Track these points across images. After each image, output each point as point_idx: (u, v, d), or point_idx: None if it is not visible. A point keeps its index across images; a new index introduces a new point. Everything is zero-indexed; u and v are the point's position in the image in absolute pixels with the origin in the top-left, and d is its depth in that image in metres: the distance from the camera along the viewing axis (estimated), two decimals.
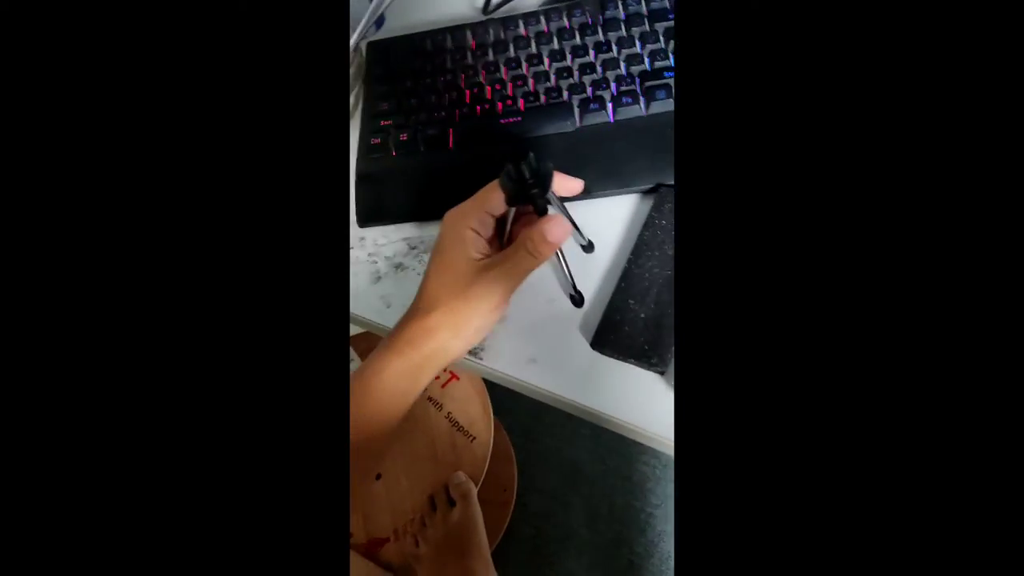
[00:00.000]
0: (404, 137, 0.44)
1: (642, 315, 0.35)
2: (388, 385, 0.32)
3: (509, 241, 0.36)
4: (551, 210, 0.33)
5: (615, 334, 0.35)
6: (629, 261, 0.37)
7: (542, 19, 0.45)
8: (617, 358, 0.35)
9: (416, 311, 0.32)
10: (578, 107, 0.41)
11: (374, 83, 0.47)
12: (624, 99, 0.40)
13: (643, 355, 0.34)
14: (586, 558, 0.94)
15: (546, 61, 0.43)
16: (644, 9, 0.42)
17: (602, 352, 0.35)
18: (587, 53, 0.42)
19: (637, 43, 0.42)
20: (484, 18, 0.49)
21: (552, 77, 0.43)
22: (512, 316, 0.39)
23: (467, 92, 0.44)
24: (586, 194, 0.39)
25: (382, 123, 0.45)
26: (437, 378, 0.69)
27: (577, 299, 0.37)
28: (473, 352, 0.38)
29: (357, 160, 0.45)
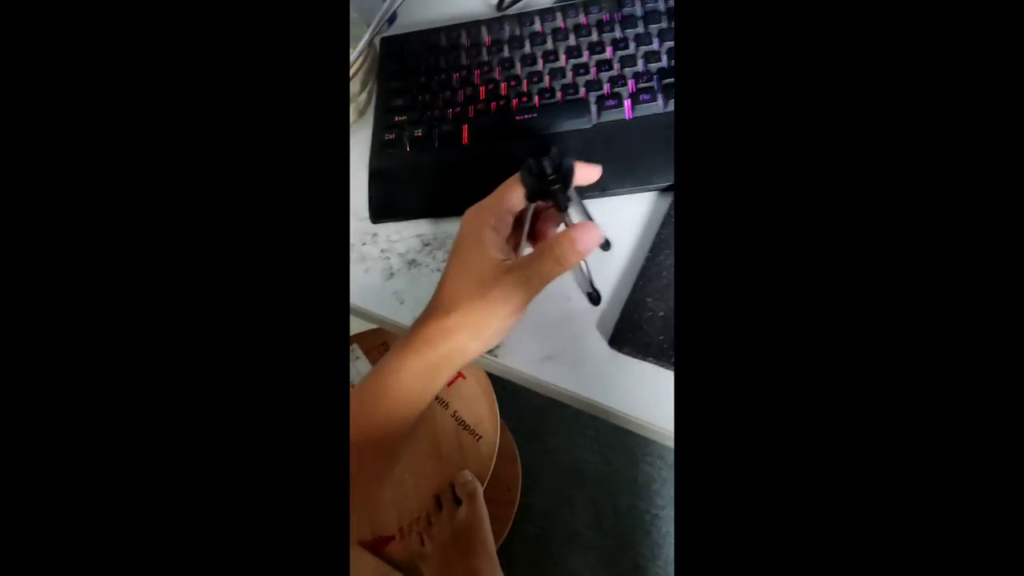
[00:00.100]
0: (418, 133, 0.44)
1: (661, 313, 0.35)
2: (405, 385, 0.31)
3: (531, 237, 0.35)
4: (572, 207, 0.33)
5: (634, 332, 0.35)
6: (647, 259, 0.36)
7: (558, 15, 0.44)
8: (636, 356, 0.35)
9: (434, 311, 0.32)
10: (595, 104, 0.41)
11: (388, 79, 0.47)
12: (642, 96, 0.40)
13: (662, 353, 0.34)
14: (591, 558, 0.94)
15: (562, 58, 0.43)
16: (662, 6, 0.42)
17: (620, 350, 0.35)
18: (604, 50, 0.42)
19: (655, 40, 0.41)
20: (499, 14, 0.49)
21: (569, 73, 0.42)
22: (529, 314, 0.39)
23: (482, 88, 0.44)
24: (603, 191, 0.39)
25: (396, 119, 0.45)
26: None
27: (595, 297, 0.37)
28: (489, 350, 0.38)
29: (370, 156, 0.45)
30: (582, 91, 0.42)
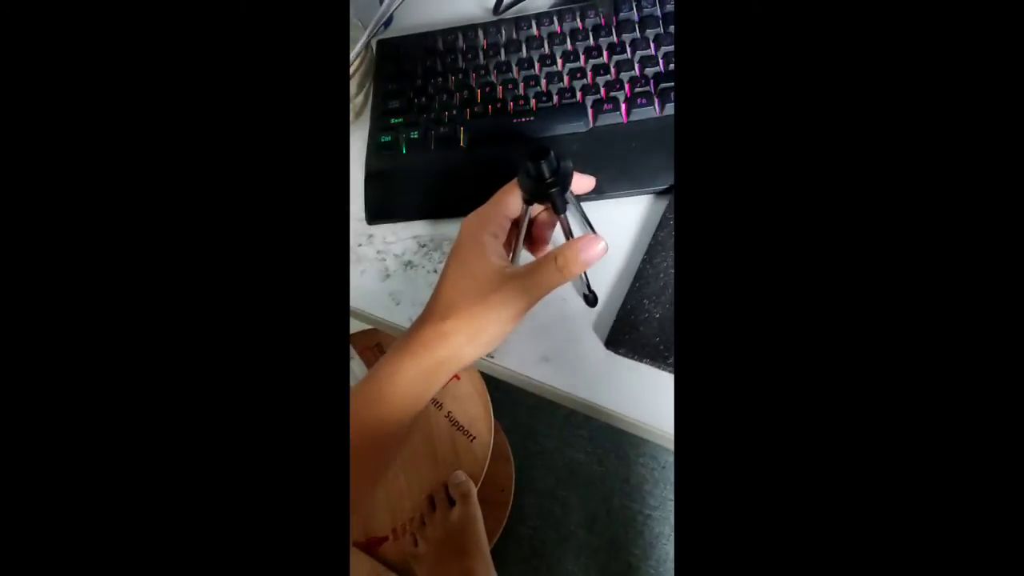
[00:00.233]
0: (415, 135, 0.44)
1: (657, 315, 0.35)
2: (400, 389, 0.31)
3: (527, 241, 0.36)
4: (569, 210, 0.33)
5: (630, 334, 0.35)
6: (643, 261, 0.37)
7: (555, 20, 0.45)
8: (632, 358, 0.35)
9: (431, 315, 0.32)
10: (591, 108, 0.41)
11: (384, 81, 0.47)
12: (638, 100, 0.40)
13: (658, 355, 0.34)
14: (584, 559, 0.94)
15: (559, 62, 0.43)
16: (658, 11, 0.43)
17: (617, 352, 0.35)
18: (600, 54, 0.43)
19: (651, 45, 0.42)
20: (495, 18, 0.49)
21: (565, 78, 0.43)
22: (525, 315, 0.39)
23: (478, 92, 0.44)
24: (599, 194, 0.39)
25: (392, 121, 0.45)
26: None
27: (591, 299, 0.37)
28: None
29: (367, 158, 0.45)
30: (579, 95, 0.42)
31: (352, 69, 0.44)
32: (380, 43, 0.49)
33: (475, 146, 0.43)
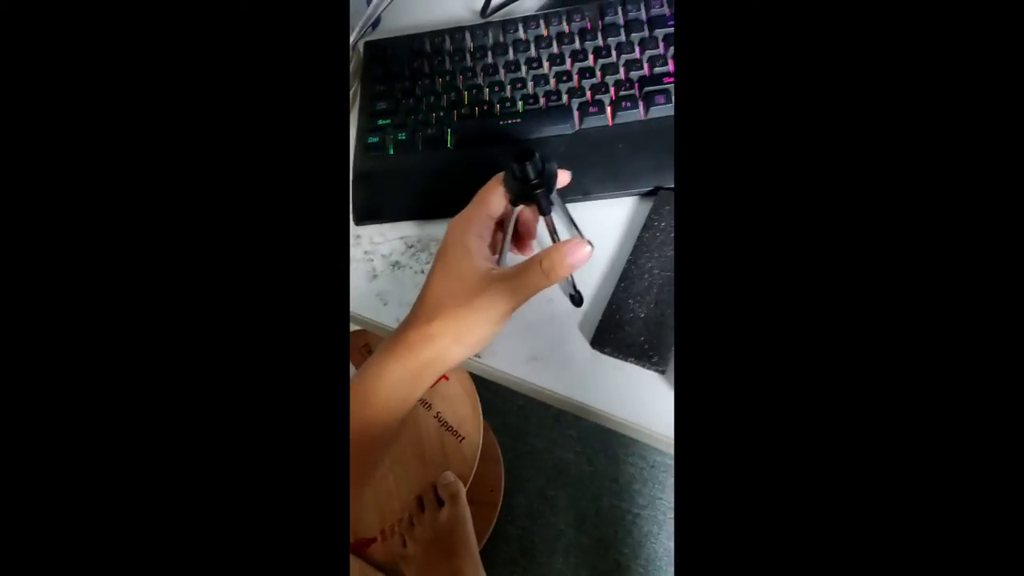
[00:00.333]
0: (402, 137, 0.44)
1: (642, 314, 0.35)
2: (386, 391, 0.32)
3: (515, 240, 0.36)
4: (554, 211, 0.34)
5: (615, 333, 0.35)
6: (629, 262, 0.37)
7: (541, 23, 0.45)
8: (617, 357, 0.35)
9: (417, 317, 0.32)
10: (577, 110, 0.42)
11: (372, 82, 0.47)
12: (623, 103, 0.41)
13: (643, 354, 0.35)
14: (573, 558, 0.95)
15: (545, 65, 0.44)
16: (644, 15, 0.43)
17: (602, 351, 0.36)
18: (586, 58, 0.43)
19: (636, 49, 0.42)
20: (482, 21, 0.49)
21: (551, 80, 0.43)
22: (511, 315, 0.39)
23: (465, 93, 0.45)
24: (585, 195, 0.40)
25: (380, 122, 0.45)
26: None
27: (577, 298, 0.38)
28: None
29: (354, 159, 0.45)
30: (565, 98, 0.42)
31: None
32: (368, 45, 0.49)
33: (462, 147, 0.43)
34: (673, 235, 0.37)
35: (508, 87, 0.44)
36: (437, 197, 0.43)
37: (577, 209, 0.40)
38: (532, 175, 0.31)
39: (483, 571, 0.73)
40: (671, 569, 0.92)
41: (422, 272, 0.42)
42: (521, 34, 0.45)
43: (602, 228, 0.40)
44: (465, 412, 0.79)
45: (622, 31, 0.43)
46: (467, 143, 0.43)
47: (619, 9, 0.44)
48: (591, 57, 0.43)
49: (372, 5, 0.47)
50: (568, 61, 0.43)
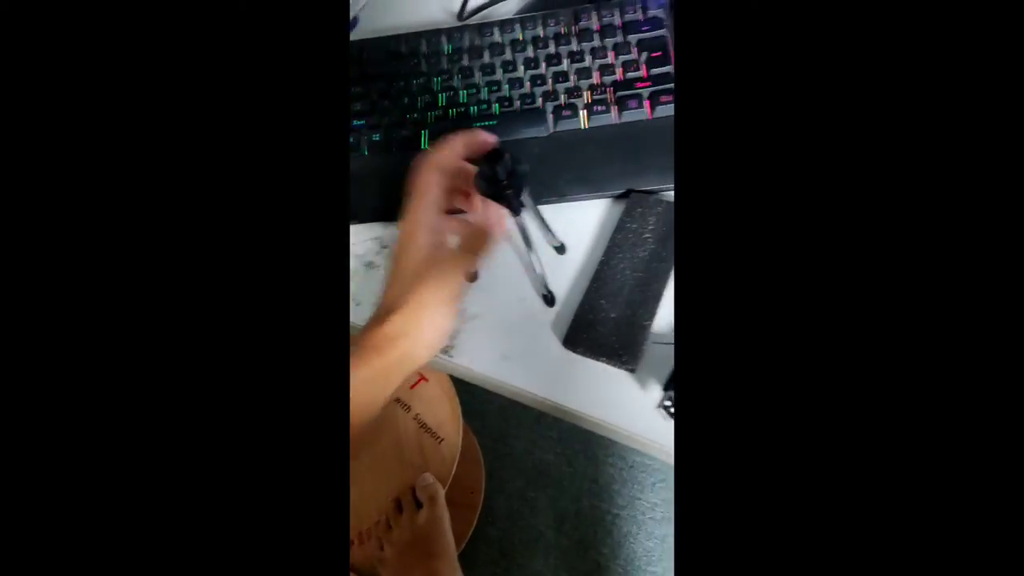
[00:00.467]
0: (376, 138, 0.44)
1: (613, 315, 0.36)
2: (354, 394, 0.32)
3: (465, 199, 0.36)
4: (525, 212, 0.34)
5: (587, 333, 0.36)
6: (601, 263, 0.38)
7: (517, 27, 0.46)
8: (589, 356, 0.36)
9: (377, 315, 0.33)
10: (551, 113, 0.42)
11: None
12: (596, 107, 0.41)
13: (614, 354, 0.35)
14: (553, 559, 0.95)
15: (520, 68, 0.44)
16: (618, 21, 0.44)
17: (574, 351, 0.36)
18: (561, 62, 0.44)
19: (610, 54, 0.43)
20: (459, 24, 0.50)
21: (526, 84, 0.44)
22: (483, 315, 0.40)
23: (440, 95, 0.45)
24: (560, 197, 0.40)
25: (354, 123, 0.45)
26: (405, 379, 0.69)
27: (549, 299, 0.38)
28: (443, 350, 0.39)
29: None
30: (539, 101, 0.43)
31: None
32: None
33: None
34: (645, 236, 0.38)
35: (483, 90, 0.44)
36: None
37: (550, 211, 0.40)
38: (502, 175, 0.31)
39: (461, 573, 0.73)
40: (650, 569, 0.93)
41: None
42: (497, 37, 0.46)
43: (575, 230, 0.40)
44: (444, 414, 0.78)
45: (596, 36, 0.44)
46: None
47: (593, 15, 0.44)
48: (565, 61, 0.44)
49: (349, 7, 0.47)
50: (543, 65, 0.44)
